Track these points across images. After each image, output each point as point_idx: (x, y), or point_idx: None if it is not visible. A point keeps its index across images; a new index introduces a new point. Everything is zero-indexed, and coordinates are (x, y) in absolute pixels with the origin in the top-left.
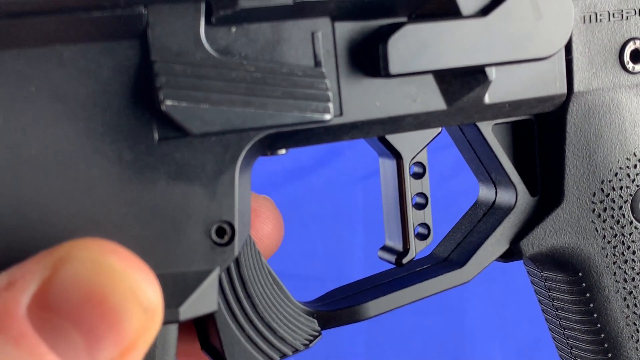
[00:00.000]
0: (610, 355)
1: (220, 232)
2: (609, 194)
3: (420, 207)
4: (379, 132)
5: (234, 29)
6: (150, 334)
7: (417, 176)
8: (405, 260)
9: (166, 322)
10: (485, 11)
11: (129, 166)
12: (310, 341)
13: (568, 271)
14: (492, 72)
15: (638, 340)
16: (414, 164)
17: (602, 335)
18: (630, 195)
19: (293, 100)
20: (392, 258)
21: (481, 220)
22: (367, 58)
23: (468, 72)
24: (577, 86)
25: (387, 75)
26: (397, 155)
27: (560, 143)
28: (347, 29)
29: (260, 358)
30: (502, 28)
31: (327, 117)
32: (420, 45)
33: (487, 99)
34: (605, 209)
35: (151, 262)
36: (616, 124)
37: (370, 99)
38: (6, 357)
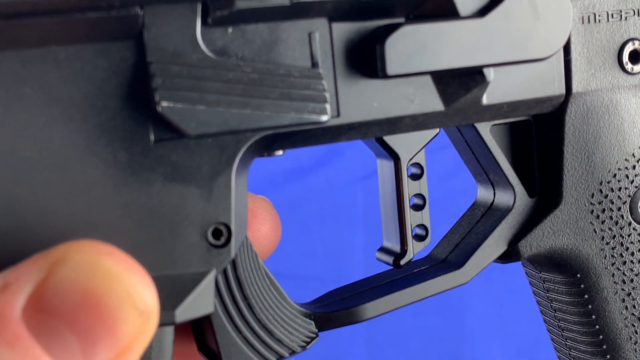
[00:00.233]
0: (608, 356)
1: (217, 233)
2: (607, 195)
3: (418, 208)
4: (376, 133)
5: (230, 30)
6: (146, 336)
7: (415, 177)
8: (403, 262)
9: (162, 324)
10: (483, 12)
11: (125, 167)
12: (308, 343)
13: (566, 272)
14: (490, 73)
15: (637, 342)
16: (411, 165)
17: (601, 337)
18: (629, 196)
19: (290, 102)
20: (390, 259)
21: (479, 222)
22: (365, 59)
23: (466, 73)
24: (576, 87)
25: (384, 76)
26: (394, 156)
27: (558, 144)
28: (344, 30)
29: None
30: (500, 29)
31: (324, 118)
32: (417, 46)
33: (485, 99)
34: (603, 210)
35: (147, 264)
36: (615, 125)
37: (367, 100)
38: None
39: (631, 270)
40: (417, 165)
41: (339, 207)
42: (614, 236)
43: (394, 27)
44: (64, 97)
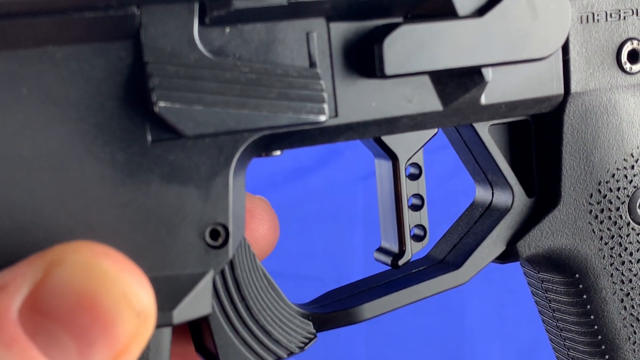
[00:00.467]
0: (607, 356)
1: (214, 234)
2: (606, 195)
3: (416, 208)
4: (374, 133)
5: (228, 30)
6: (143, 338)
7: (413, 177)
8: (401, 262)
9: (159, 325)
10: (481, 11)
11: (122, 168)
12: (306, 344)
13: (565, 273)
14: (488, 73)
15: (635, 342)
16: (409, 165)
17: (600, 337)
18: (628, 196)
19: (288, 102)
20: (388, 260)
21: (478, 222)
22: (363, 59)
23: (464, 72)
24: (574, 87)
25: (382, 76)
26: (392, 157)
27: (557, 144)
28: (342, 30)
29: None
30: (499, 28)
31: (322, 118)
32: (416, 46)
33: (484, 99)
34: (602, 210)
35: (144, 264)
36: (613, 125)
37: (365, 100)
38: None
39: (630, 270)
40: (416, 165)
41: (339, 207)
42: (613, 236)
43: (392, 27)
44: (61, 97)
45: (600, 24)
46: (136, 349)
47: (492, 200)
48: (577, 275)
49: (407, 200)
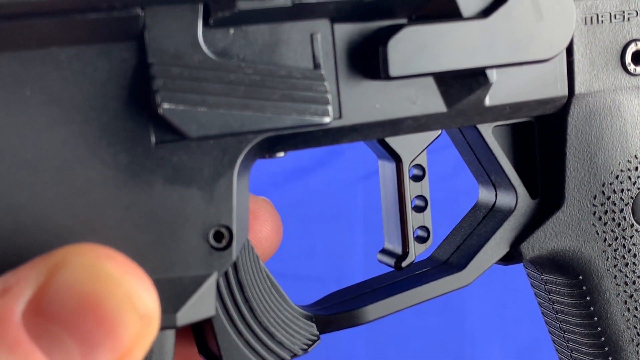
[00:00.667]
0: (610, 358)
1: (218, 236)
2: (610, 197)
3: (419, 209)
4: (378, 134)
5: (232, 31)
6: (147, 340)
7: (417, 179)
8: (404, 264)
9: (163, 327)
10: (486, 13)
11: (126, 170)
12: (309, 345)
13: (568, 274)
14: (492, 75)
15: (639, 344)
16: (413, 166)
17: (603, 339)
18: (632, 198)
19: (292, 103)
20: (392, 261)
21: (481, 223)
22: (367, 60)
23: (468, 74)
24: (579, 88)
25: (386, 77)
26: (396, 158)
27: (561, 145)
28: (346, 31)
29: None
30: (503, 30)
31: (326, 120)
32: (420, 47)
33: (488, 101)
34: (606, 212)
35: (148, 267)
36: (617, 126)
37: (369, 101)
38: None
39: (633, 272)
40: (419, 166)
41: (339, 207)
42: (616, 238)
43: (396, 28)
44: (64, 98)
45: (604, 25)
46: (140, 352)
47: (495, 201)
48: (580, 277)
49: (411, 202)
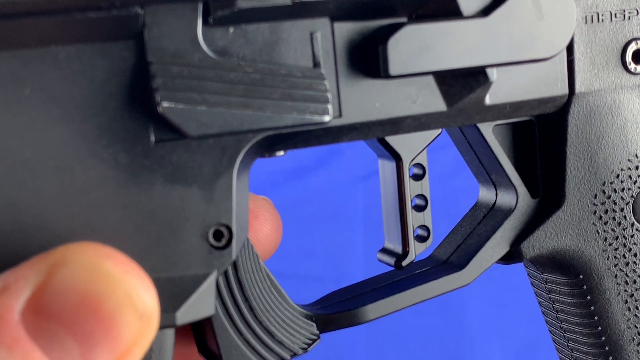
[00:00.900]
0: (611, 358)
1: (218, 235)
2: (610, 196)
3: (419, 209)
4: (378, 133)
5: (231, 30)
6: (146, 339)
7: (417, 178)
8: (404, 263)
9: (163, 327)
10: (486, 11)
11: (125, 169)
12: (309, 345)
13: (569, 274)
14: (493, 73)
15: (639, 344)
16: (413, 165)
17: (603, 338)
18: (632, 197)
19: (292, 102)
20: (392, 260)
21: (481, 222)
22: (367, 59)
23: (469, 73)
24: (579, 87)
25: (386, 76)
26: (396, 157)
27: (561, 144)
28: (346, 30)
29: None
30: (504, 28)
31: (326, 118)
32: (420, 46)
33: (488, 100)
34: (606, 211)
35: (147, 266)
36: (618, 126)
37: (369, 100)
38: None
39: (634, 271)
40: (419, 165)
41: (339, 207)
42: (617, 237)
43: (396, 27)
44: (63, 97)
45: (604, 24)
46: (139, 351)
47: (495, 200)
48: (581, 276)
49: (411, 201)
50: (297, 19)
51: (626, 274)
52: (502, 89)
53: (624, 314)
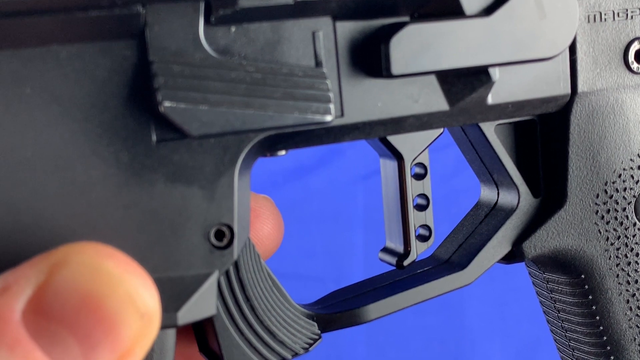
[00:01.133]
0: (612, 357)
1: (219, 235)
2: (612, 196)
3: (421, 208)
4: (380, 133)
5: (233, 29)
6: (148, 339)
7: (419, 177)
8: (406, 262)
9: (164, 326)
10: (488, 11)
11: (127, 168)
12: (310, 344)
13: (571, 273)
14: (495, 73)
15: None
16: (415, 164)
17: (605, 338)
18: (634, 196)
19: (293, 101)
20: (393, 260)
21: (483, 222)
22: (369, 58)
23: (471, 72)
24: (581, 86)
25: (389, 75)
26: (398, 156)
27: (563, 144)
28: (348, 29)
29: None
30: (506, 28)
31: (328, 118)
32: (422, 46)
33: (490, 99)
34: (608, 211)
35: (149, 265)
36: (620, 125)
37: (371, 99)
38: None
39: (636, 271)
40: (421, 165)
41: (339, 207)
42: (619, 237)
43: (398, 26)
44: (65, 96)
45: (607, 24)
46: (141, 351)
47: (497, 200)
48: (582, 276)
49: (413, 200)
50: (299, 18)
51: (628, 274)
52: (505, 88)
53: (626, 313)
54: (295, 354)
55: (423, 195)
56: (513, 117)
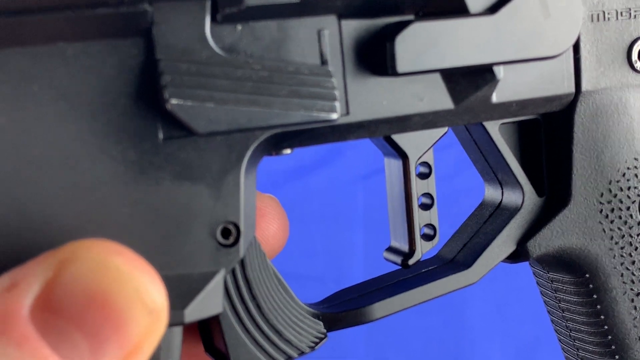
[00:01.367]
0: (617, 356)
1: (226, 233)
2: (616, 195)
3: (426, 207)
4: (385, 131)
5: (239, 27)
6: (155, 336)
7: (423, 176)
8: (411, 262)
9: (171, 324)
10: (493, 9)
11: (134, 166)
12: (316, 343)
13: (575, 272)
14: (500, 71)
15: None
16: (420, 163)
17: (610, 337)
18: (638, 195)
19: (299, 99)
20: (398, 259)
21: (487, 221)
22: (374, 56)
23: (476, 71)
24: (585, 85)
25: (394, 74)
26: (403, 155)
27: (567, 143)
28: (353, 27)
29: None
30: (511, 26)
31: (334, 116)
32: (427, 44)
33: (495, 98)
34: (612, 210)
35: (156, 263)
36: (624, 124)
37: (377, 98)
38: (8, 359)
39: None
40: (425, 164)
41: (339, 207)
42: (623, 236)
43: (403, 25)
44: (72, 94)
45: (610, 23)
46: (148, 348)
47: (502, 199)
48: (587, 275)
49: (417, 200)
50: (304, 16)
51: (632, 273)
52: (509, 87)
53: (630, 312)
54: (302, 353)
55: (428, 195)
56: (517, 116)
